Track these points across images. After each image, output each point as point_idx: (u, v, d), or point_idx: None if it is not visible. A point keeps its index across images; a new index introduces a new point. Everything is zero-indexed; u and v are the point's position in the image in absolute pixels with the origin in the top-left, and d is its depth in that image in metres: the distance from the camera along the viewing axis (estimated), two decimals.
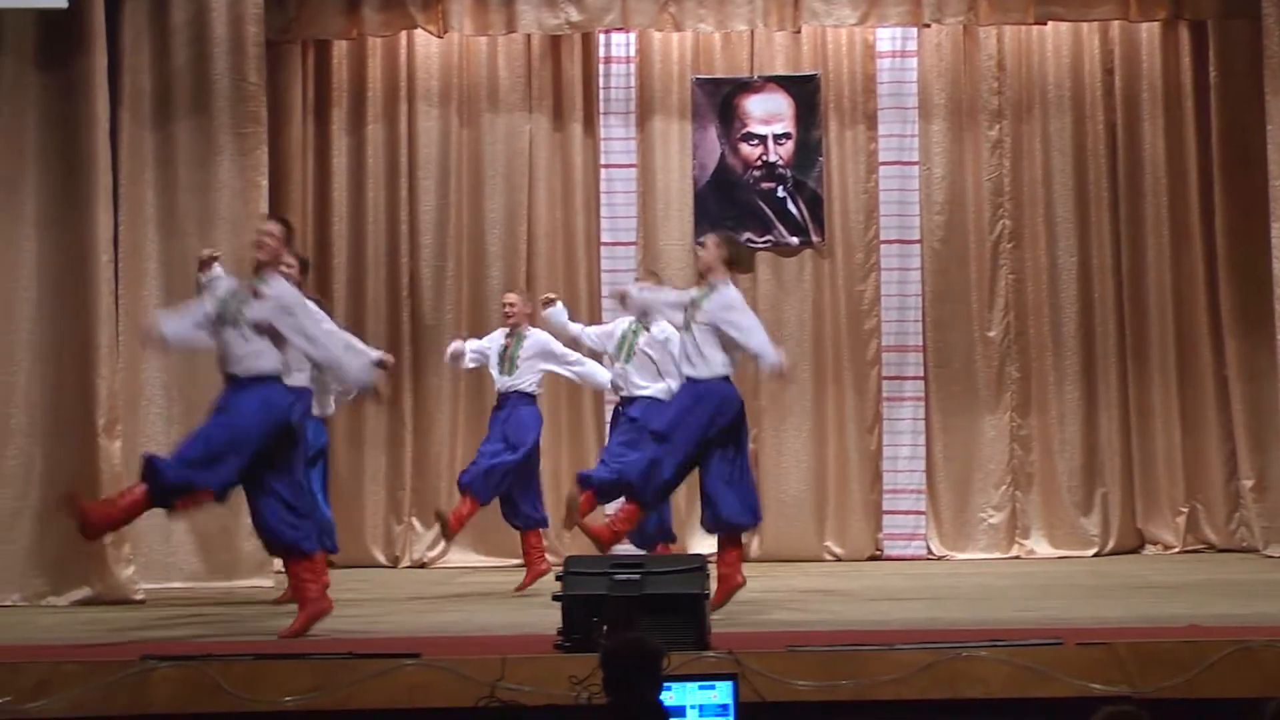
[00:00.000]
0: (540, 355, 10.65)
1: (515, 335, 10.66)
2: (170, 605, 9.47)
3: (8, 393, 10.02)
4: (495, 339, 10.83)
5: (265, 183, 11.03)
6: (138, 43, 10.73)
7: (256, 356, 8.14)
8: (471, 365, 10.95)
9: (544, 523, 10.72)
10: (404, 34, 12.58)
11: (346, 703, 6.67)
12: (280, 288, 8.25)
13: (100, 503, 8.44)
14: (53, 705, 6.62)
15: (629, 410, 10.41)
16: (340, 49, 12.76)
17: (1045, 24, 12.38)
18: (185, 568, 10.47)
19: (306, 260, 9.83)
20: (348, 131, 12.80)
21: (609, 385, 10.86)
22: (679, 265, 12.68)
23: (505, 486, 10.45)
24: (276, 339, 8.16)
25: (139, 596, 9.90)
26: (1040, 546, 12.46)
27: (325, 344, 8.45)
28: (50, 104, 10.20)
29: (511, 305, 10.77)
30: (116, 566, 9.93)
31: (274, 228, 8.42)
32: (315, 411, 9.89)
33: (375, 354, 9.87)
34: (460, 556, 12.32)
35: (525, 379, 10.59)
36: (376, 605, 9.82)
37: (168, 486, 7.88)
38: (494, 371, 10.71)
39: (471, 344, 10.92)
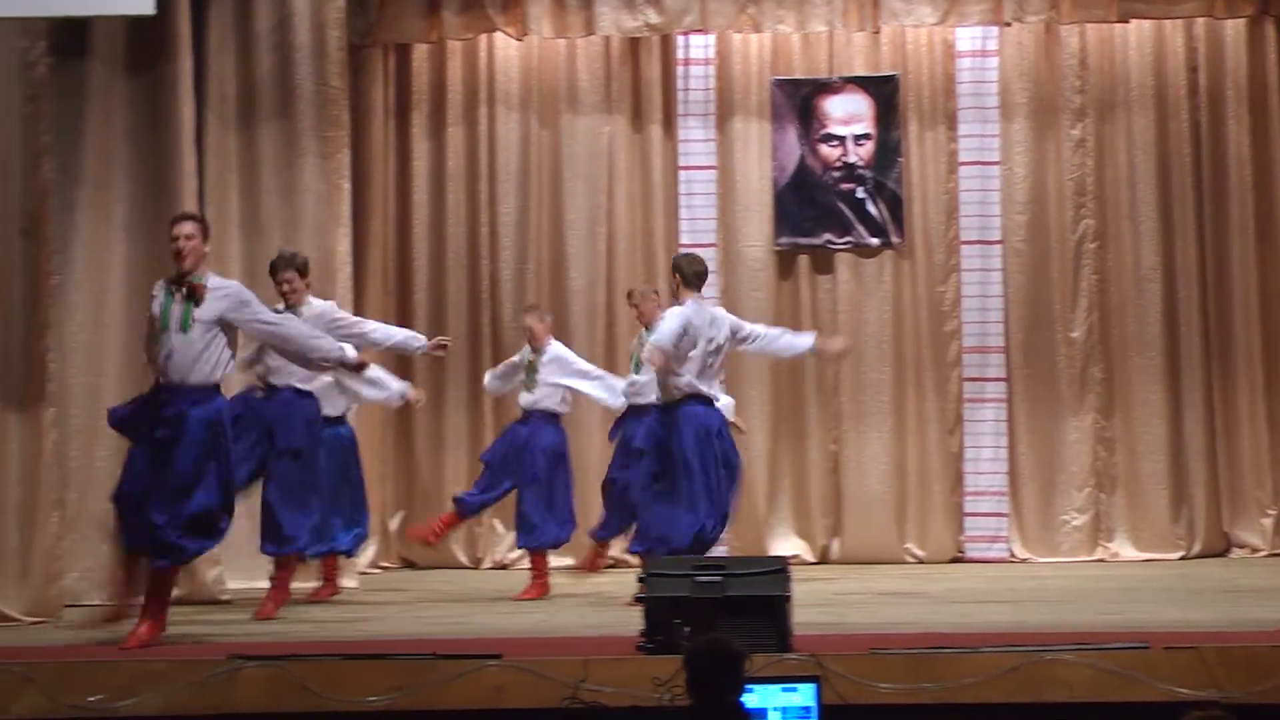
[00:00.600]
0: (557, 368, 10.51)
1: (538, 352, 10.55)
2: (256, 605, 9.54)
3: (97, 394, 10.11)
4: (523, 355, 10.73)
5: (348, 186, 11.13)
6: (222, 48, 10.84)
7: (205, 363, 7.89)
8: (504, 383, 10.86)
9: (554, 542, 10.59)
10: (483, 37, 12.64)
11: (430, 703, 6.72)
12: (221, 280, 8.06)
13: None
14: (144, 703, 6.71)
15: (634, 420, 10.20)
16: (420, 53, 12.84)
17: (1128, 22, 12.28)
18: (271, 568, 10.53)
19: (305, 261, 9.84)
20: (428, 135, 12.88)
21: (617, 401, 10.59)
22: (759, 266, 12.70)
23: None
24: (229, 332, 7.99)
25: (226, 597, 10.00)
26: (1125, 549, 12.37)
27: (284, 324, 8.38)
28: (138, 108, 10.32)
29: (530, 329, 10.66)
30: (203, 567, 10.02)
31: (187, 228, 7.95)
32: (330, 412, 9.92)
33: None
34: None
35: (546, 396, 10.48)
36: (459, 606, 9.87)
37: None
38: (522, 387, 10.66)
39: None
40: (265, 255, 10.76)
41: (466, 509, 10.72)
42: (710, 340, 9.26)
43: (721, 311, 9.73)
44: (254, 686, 6.79)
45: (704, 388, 9.24)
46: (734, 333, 9.45)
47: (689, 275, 9.36)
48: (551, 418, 10.52)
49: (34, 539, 9.11)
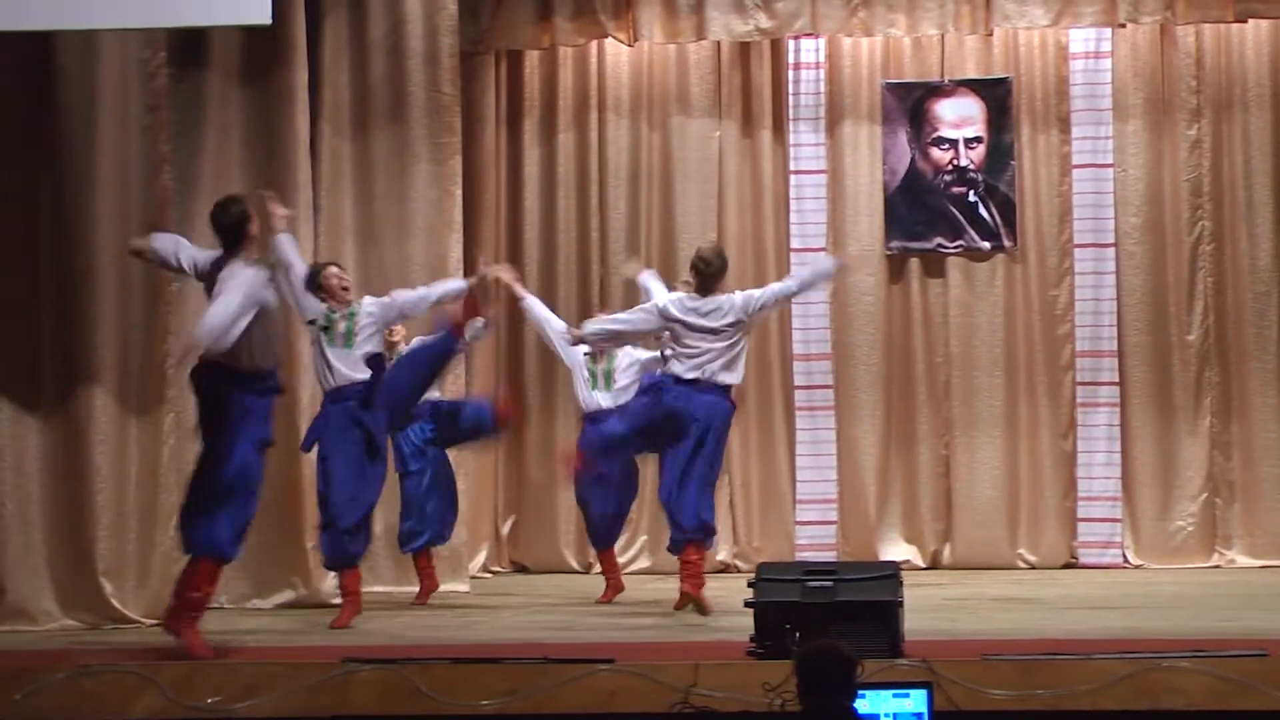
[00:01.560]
0: (628, 358, 10.38)
1: (607, 354, 10.39)
2: (369, 608, 9.63)
3: None
4: (576, 356, 10.49)
5: (459, 192, 11.22)
6: (337, 56, 10.96)
7: None
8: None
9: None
10: (594, 43, 12.68)
11: (542, 707, 6.76)
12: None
13: None
14: (260, 705, 6.81)
15: None
16: (532, 59, 12.91)
17: (1245, 21, 12.11)
18: (383, 572, 10.65)
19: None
20: (539, 141, 12.94)
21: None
22: (868, 270, 12.65)
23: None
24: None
25: (339, 599, 10.09)
26: (1241, 556, 12.19)
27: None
28: (254, 118, 10.43)
29: None
30: (318, 570, 10.15)
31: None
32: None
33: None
34: (651, 563, 12.37)
35: (622, 392, 10.30)
36: (570, 611, 9.91)
37: None
38: (583, 391, 10.43)
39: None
40: (379, 261, 10.92)
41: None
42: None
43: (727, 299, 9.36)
44: (367, 689, 6.87)
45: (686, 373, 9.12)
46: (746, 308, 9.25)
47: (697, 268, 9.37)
48: None
49: (153, 542, 9.27)
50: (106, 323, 9.23)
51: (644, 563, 12.34)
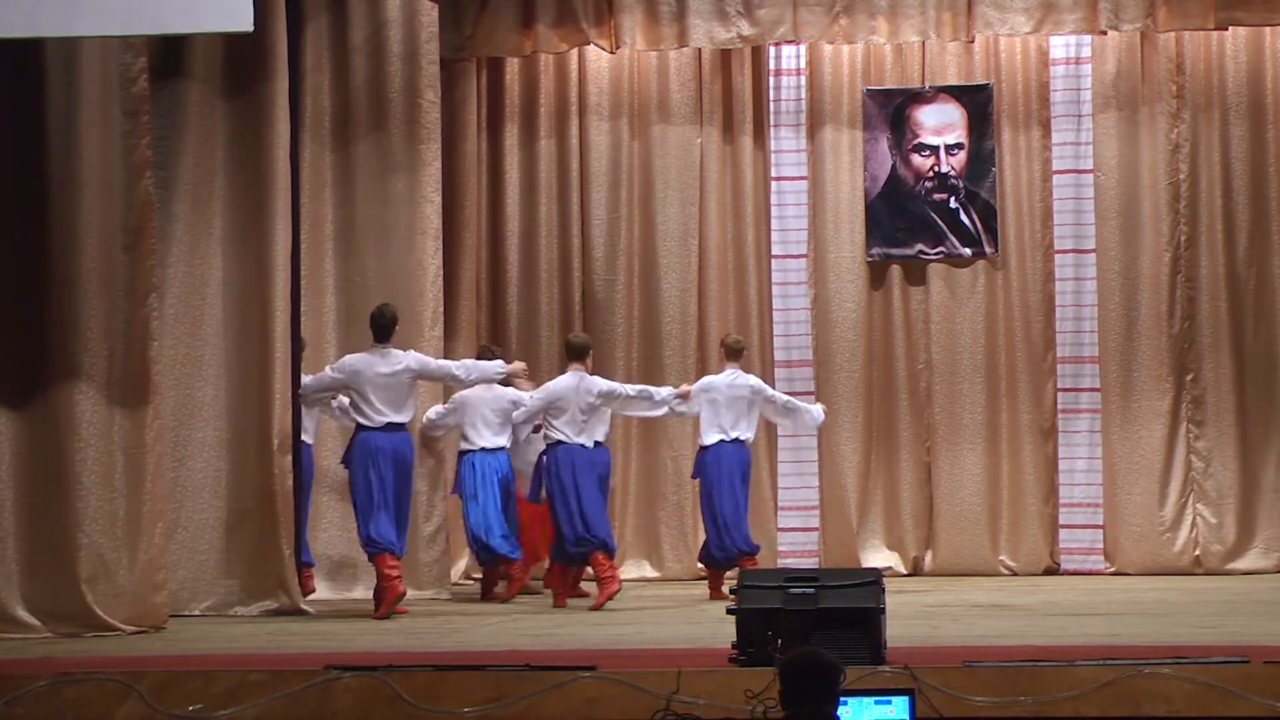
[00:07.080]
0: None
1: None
2: (352, 616, 9.63)
3: (195, 407, 10.22)
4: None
5: (439, 199, 11.22)
6: (318, 63, 10.95)
7: None
8: None
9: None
10: (575, 50, 12.67)
11: (524, 714, 6.74)
12: None
13: None
14: (242, 713, 6.78)
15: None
16: (513, 66, 12.91)
17: (1226, 29, 12.14)
18: (367, 579, 10.62)
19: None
20: (520, 147, 12.94)
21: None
22: (850, 277, 12.66)
23: None
24: None
25: (311, 609, 10.07)
26: (1223, 562, 12.20)
27: None
28: (235, 128, 10.40)
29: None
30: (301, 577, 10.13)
31: None
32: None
33: None
34: (634, 570, 12.37)
35: None
36: (552, 618, 9.91)
37: None
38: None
39: None
40: (360, 266, 10.89)
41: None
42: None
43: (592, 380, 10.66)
44: (350, 697, 6.84)
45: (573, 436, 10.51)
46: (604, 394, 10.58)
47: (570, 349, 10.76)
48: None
49: (138, 549, 9.21)
50: (89, 326, 9.16)
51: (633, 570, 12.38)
